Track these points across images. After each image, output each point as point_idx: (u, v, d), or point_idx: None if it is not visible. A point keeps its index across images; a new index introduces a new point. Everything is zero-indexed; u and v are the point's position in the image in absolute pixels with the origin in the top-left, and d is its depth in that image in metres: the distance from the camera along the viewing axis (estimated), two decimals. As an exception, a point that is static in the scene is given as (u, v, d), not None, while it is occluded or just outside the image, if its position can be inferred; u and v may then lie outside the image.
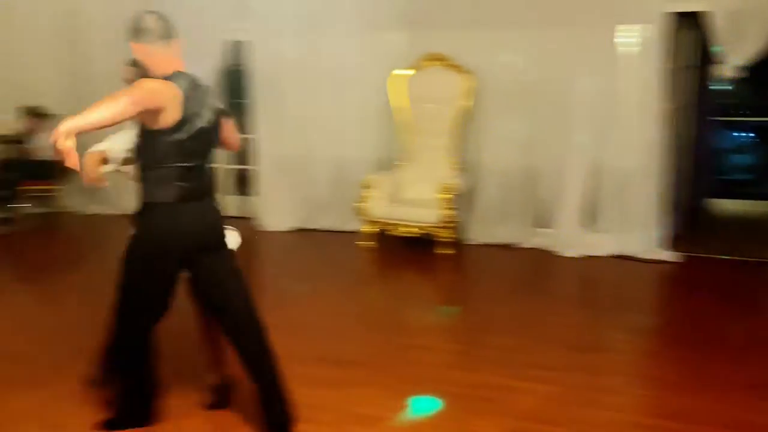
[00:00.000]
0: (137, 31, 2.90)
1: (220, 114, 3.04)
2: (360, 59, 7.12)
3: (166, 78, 2.80)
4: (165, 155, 2.82)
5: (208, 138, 2.98)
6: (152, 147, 2.83)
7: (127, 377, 3.22)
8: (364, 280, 6.08)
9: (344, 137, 7.35)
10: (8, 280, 6.15)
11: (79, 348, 3.93)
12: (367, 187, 6.63)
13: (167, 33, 2.91)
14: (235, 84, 7.59)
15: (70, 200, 8.63)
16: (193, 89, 2.86)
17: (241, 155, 8.04)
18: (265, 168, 7.70)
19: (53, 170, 8.11)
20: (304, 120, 7.46)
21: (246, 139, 7.88)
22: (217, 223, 3.09)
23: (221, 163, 8.18)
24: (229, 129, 3.19)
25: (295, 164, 7.58)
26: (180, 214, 2.90)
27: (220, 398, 3.48)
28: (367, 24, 7.07)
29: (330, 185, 7.49)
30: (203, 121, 2.90)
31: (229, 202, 8.06)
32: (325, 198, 7.53)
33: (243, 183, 8.12)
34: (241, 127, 7.90)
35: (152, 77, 2.82)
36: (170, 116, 2.76)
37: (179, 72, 2.87)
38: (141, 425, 3.21)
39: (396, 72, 6.95)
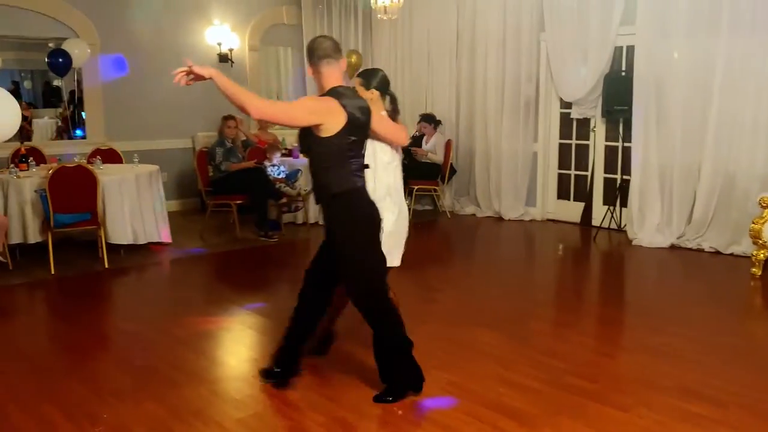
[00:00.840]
0: (310, 53, 3.33)
1: (369, 113, 3.35)
2: None
3: (326, 93, 3.26)
4: (338, 155, 3.26)
5: (364, 136, 3.38)
6: (327, 149, 3.25)
7: (393, 343, 3.52)
8: (748, 311, 5.33)
9: (738, 149, 6.54)
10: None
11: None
12: (766, 206, 5.80)
13: (333, 55, 3.31)
14: (617, 90, 7.31)
15: (450, 200, 9.33)
16: (348, 98, 3.25)
17: (615, 163, 7.73)
18: (640, 178, 7.27)
19: (436, 172, 8.87)
20: (689, 129, 6.86)
21: (623, 148, 7.57)
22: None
23: (597, 171, 8.01)
24: (385, 124, 3.53)
25: (675, 176, 7.01)
26: (367, 195, 3.38)
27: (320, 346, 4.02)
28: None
29: (714, 201, 6.75)
30: (359, 122, 3.27)
31: (601, 212, 7.84)
32: (708, 215, 6.82)
33: (617, 193, 7.76)
34: (620, 135, 7.60)
35: (321, 92, 3.30)
36: (334, 125, 3.18)
37: (337, 86, 3.28)
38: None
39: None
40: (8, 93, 3.16)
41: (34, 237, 6.34)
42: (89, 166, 6.20)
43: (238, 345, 4.57)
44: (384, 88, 3.68)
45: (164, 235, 7.13)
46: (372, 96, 3.59)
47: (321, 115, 3.18)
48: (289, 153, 8.46)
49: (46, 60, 7.48)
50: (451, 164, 9.06)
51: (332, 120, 3.19)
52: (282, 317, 4.87)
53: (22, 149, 7.12)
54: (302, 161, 8.27)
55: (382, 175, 3.58)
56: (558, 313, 5.19)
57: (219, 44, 9.71)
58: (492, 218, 8.83)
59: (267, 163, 7.75)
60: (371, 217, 3.40)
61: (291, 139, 9.50)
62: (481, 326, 4.64)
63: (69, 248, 6.85)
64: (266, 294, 5.72)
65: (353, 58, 9.89)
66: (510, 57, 8.46)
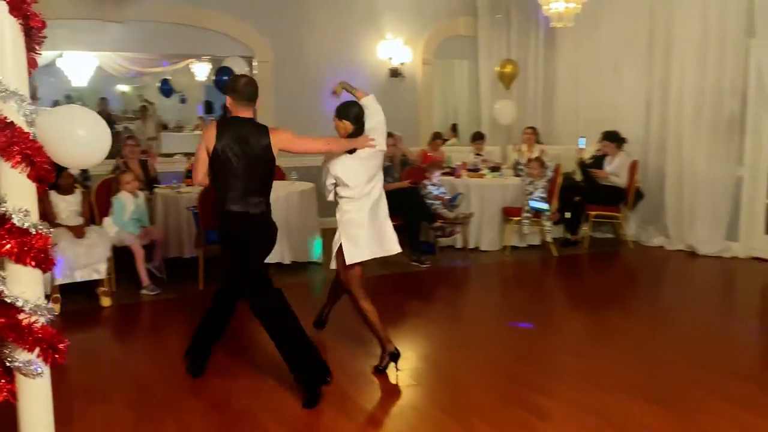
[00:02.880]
0: (229, 87, 3.86)
1: (266, 147, 3.75)
2: None
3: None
4: (214, 175, 3.83)
5: (247, 163, 3.75)
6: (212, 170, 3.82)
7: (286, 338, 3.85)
8: None
9: None
10: (562, 302, 6.10)
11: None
12: None
13: (250, 97, 3.79)
14: None
15: (634, 229, 8.25)
16: (231, 128, 3.76)
17: None
18: None
19: (619, 197, 7.87)
20: None
21: None
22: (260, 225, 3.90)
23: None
24: (285, 143, 3.83)
25: None
26: (235, 215, 3.78)
27: None
28: None
29: None
30: (233, 152, 3.71)
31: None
32: None
33: None
34: None
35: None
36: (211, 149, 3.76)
37: (233, 117, 3.83)
38: None
39: None
40: (98, 115, 2.98)
41: (189, 252, 6.43)
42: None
43: (349, 393, 4.12)
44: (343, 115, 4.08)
45: (315, 255, 6.95)
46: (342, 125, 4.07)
47: (206, 139, 3.78)
48: (451, 172, 7.94)
49: (213, 78, 7.65)
50: (638, 188, 8.02)
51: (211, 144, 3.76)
52: (409, 366, 4.29)
53: (190, 165, 7.30)
54: (463, 182, 7.74)
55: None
56: (747, 387, 4.13)
57: (390, 59, 9.47)
58: (683, 252, 7.63)
59: (427, 182, 7.31)
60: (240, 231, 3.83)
61: (459, 155, 8.99)
62: (639, 396, 3.80)
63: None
64: (400, 329, 5.20)
65: (508, 68, 9.19)
66: (711, 66, 7.25)
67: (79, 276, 5.62)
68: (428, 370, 4.38)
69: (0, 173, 2.82)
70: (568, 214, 7.87)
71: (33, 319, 2.89)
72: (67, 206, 5.95)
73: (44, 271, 2.94)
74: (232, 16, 8.57)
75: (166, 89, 10.03)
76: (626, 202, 7.93)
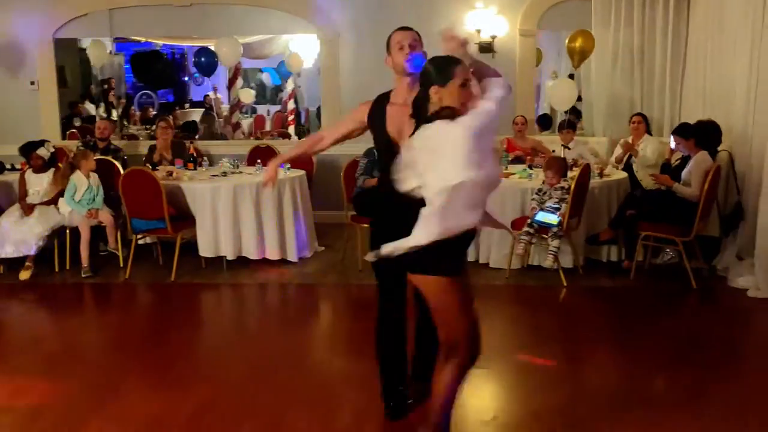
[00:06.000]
0: None
1: None
2: None
3: None
4: None
5: None
6: None
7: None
8: None
9: None
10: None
11: None
12: None
13: None
14: None
15: (726, 261, 5.93)
16: None
17: None
18: None
19: (686, 214, 5.67)
20: None
21: None
22: None
23: None
24: None
25: None
26: None
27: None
28: None
29: None
30: None
31: None
32: None
33: None
34: None
35: None
36: None
37: None
38: None
39: None
40: None
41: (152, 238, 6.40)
42: (152, 173, 5.85)
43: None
44: None
45: (290, 253, 6.37)
46: None
47: None
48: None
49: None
50: (738, 203, 5.76)
51: None
52: None
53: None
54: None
55: None
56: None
57: (479, 31, 8.13)
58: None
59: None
60: None
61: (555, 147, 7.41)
62: None
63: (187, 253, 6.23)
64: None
65: (578, 42, 7.21)
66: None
67: (9, 251, 5.94)
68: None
69: None
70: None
71: None
72: (38, 184, 6.31)
73: None
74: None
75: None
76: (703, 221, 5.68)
